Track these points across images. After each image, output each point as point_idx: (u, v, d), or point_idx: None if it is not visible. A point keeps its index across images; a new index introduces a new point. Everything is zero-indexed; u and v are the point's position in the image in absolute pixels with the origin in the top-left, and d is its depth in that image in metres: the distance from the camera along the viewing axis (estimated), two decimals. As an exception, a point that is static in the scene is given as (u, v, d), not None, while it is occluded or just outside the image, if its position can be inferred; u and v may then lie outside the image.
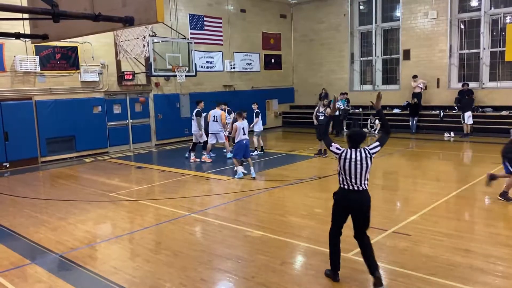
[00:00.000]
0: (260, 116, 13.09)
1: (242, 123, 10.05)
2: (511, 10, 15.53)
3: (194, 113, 12.68)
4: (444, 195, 7.94)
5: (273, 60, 20.65)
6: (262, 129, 13.55)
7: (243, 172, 10.07)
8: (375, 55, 19.04)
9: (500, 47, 15.66)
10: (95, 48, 13.82)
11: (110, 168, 12.11)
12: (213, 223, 6.92)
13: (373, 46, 18.99)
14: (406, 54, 17.82)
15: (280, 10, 20.78)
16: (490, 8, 16.03)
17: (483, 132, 15.40)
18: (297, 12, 21.09)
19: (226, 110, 13.31)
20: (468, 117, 15.33)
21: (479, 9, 16.19)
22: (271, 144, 16.25)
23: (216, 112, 12.42)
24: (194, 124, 12.64)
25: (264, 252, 5.61)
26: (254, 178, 9.86)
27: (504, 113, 15.45)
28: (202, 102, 12.97)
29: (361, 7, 19.52)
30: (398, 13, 18.13)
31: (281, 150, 14.05)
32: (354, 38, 19.66)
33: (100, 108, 14.23)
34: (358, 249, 5.48)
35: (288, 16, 21.23)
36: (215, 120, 12.32)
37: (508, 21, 15.72)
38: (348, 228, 6.41)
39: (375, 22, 18.79)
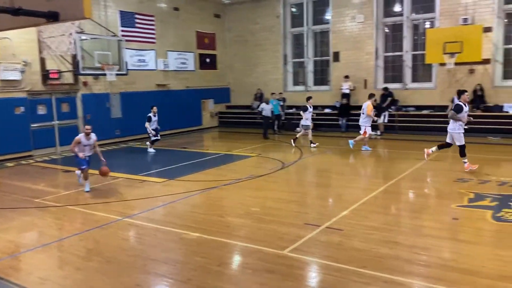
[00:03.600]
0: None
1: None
2: (430, 16, 16.66)
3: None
4: (373, 190, 8.35)
5: (208, 60, 20.53)
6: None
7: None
8: (307, 57, 19.59)
9: (421, 50, 16.75)
10: (16, 44, 12.89)
11: (35, 173, 11.37)
12: (147, 226, 6.73)
13: (305, 48, 19.53)
14: (336, 56, 18.51)
15: (214, 9, 20.70)
16: (411, 14, 17.11)
17: (406, 130, 16.40)
18: (231, 12, 21.14)
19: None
20: (383, 117, 16.30)
21: (401, 14, 17.21)
22: (208, 144, 16.17)
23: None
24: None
25: (201, 254, 5.56)
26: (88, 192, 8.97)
27: (425, 112, 16.55)
28: (155, 108, 13.73)
29: (293, 9, 19.98)
30: (328, 16, 18.78)
31: (218, 150, 14.02)
32: (287, 39, 20.08)
33: (22, 108, 13.29)
34: (294, 246, 5.61)
35: (223, 16, 21.22)
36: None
37: (427, 26, 16.86)
38: (284, 225, 6.55)
39: (307, 25, 19.33)
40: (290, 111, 19.17)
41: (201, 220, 7.00)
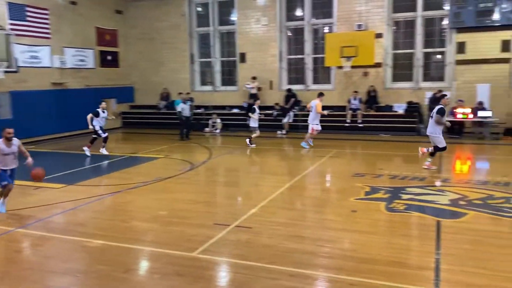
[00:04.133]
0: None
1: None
2: (328, 21, 17.66)
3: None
4: (279, 187, 8.62)
5: (110, 57, 19.57)
6: None
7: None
8: (214, 57, 19.63)
9: (320, 53, 17.69)
10: None
11: None
12: (44, 236, 6.22)
13: (212, 48, 19.55)
14: (243, 57, 18.81)
15: (115, 5, 19.79)
16: (312, 19, 17.99)
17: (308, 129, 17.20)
18: (134, 9, 20.39)
19: None
20: (288, 117, 16.99)
21: (303, 19, 18.03)
22: (111, 146, 15.40)
23: None
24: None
25: (105, 262, 5.28)
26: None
27: (325, 112, 17.50)
28: (104, 103, 13.06)
29: (199, 9, 19.88)
30: (234, 17, 19.00)
31: (122, 152, 13.43)
32: (193, 39, 19.92)
33: None
34: (203, 247, 5.58)
35: (125, 12, 20.38)
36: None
37: (326, 31, 17.87)
38: (193, 227, 6.48)
39: (213, 25, 19.36)
40: (199, 111, 19.04)
41: (105, 227, 6.65)
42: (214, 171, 11.01)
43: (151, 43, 20.27)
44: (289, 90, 17.64)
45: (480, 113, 14.58)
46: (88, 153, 12.74)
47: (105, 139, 12.96)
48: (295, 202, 8.03)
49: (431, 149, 10.24)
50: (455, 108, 14.97)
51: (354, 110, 16.62)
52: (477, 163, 11.76)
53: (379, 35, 16.38)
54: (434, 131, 10.03)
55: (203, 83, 20.40)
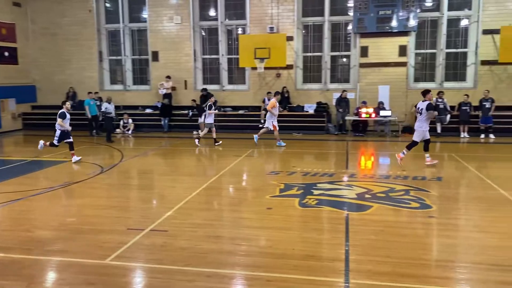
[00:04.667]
0: None
1: None
2: (242, 22, 17.90)
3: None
4: (196, 188, 8.55)
5: (7, 53, 17.93)
6: None
7: None
8: (125, 55, 18.89)
9: (235, 54, 17.86)
10: None
11: None
12: None
13: (122, 45, 18.80)
14: (155, 56, 18.34)
15: (12, -3, 18.21)
16: (225, 19, 18.09)
17: (225, 129, 17.30)
18: (34, 2, 18.90)
19: None
20: (204, 117, 16.91)
21: (216, 19, 18.06)
22: (9, 150, 14.14)
23: None
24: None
25: (6, 277, 4.82)
26: None
27: (241, 112, 17.74)
28: (68, 103, 11.51)
29: (108, 4, 18.99)
30: (145, 14, 18.45)
31: (23, 156, 12.37)
32: (102, 36, 18.99)
33: None
34: (116, 253, 5.35)
35: (24, 5, 18.81)
36: None
37: (240, 32, 18.09)
38: (105, 233, 6.17)
39: (123, 22, 18.62)
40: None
41: (4, 238, 6.07)
42: (126, 174, 10.59)
43: (54, 39, 18.95)
44: (204, 90, 17.56)
45: (382, 113, 15.76)
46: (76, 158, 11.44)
47: (71, 145, 11.56)
48: (212, 203, 8.02)
49: (405, 151, 10.56)
50: (359, 108, 16.01)
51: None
52: (379, 159, 12.70)
53: (290, 38, 16.97)
54: (422, 125, 10.37)
55: (113, 82, 19.55)
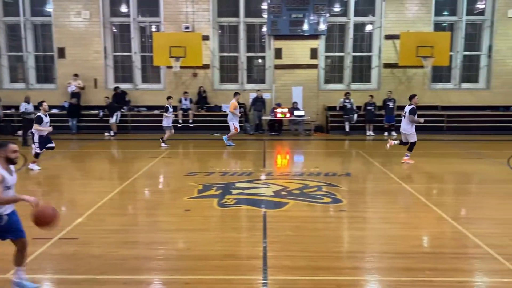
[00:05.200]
0: None
1: None
2: (156, 20, 17.45)
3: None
4: (109, 193, 8.15)
5: None
6: None
7: None
8: (27, 51, 17.47)
9: (149, 52, 17.36)
10: None
11: None
12: None
13: (23, 40, 17.35)
14: (61, 53, 17.20)
15: None
16: (138, 16, 17.51)
17: (139, 130, 16.76)
18: None
19: None
20: (115, 117, 16.29)
21: (128, 15, 17.40)
22: None
23: None
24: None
25: None
26: None
27: (156, 112, 17.27)
28: (45, 104, 10.29)
29: (6, -5, 17.42)
30: (49, 8, 17.20)
31: None
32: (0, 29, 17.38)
33: None
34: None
35: None
36: None
37: (154, 29, 17.62)
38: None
39: (24, 15, 17.19)
40: (8, 112, 16.70)
41: None
42: (31, 179, 9.78)
43: None
44: (116, 89, 16.85)
45: (295, 113, 16.34)
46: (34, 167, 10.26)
47: (49, 149, 10.61)
48: (127, 207, 7.71)
49: (397, 142, 11.32)
50: (275, 108, 16.44)
51: (185, 110, 16.81)
52: (294, 157, 13.14)
53: (206, 38, 16.90)
54: (407, 127, 10.95)
55: (14, 80, 17.97)
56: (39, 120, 10.11)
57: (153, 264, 5.11)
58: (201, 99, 17.05)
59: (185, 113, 16.73)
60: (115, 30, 17.74)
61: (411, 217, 6.94)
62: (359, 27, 17.53)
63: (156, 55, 16.46)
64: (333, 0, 17.24)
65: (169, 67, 16.75)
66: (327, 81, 17.83)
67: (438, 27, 17.22)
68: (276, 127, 16.73)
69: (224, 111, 17.11)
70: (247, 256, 5.33)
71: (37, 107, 11.12)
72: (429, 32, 16.54)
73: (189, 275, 4.77)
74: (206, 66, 17.12)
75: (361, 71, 17.82)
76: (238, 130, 14.11)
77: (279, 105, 16.52)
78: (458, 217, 6.99)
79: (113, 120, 16.11)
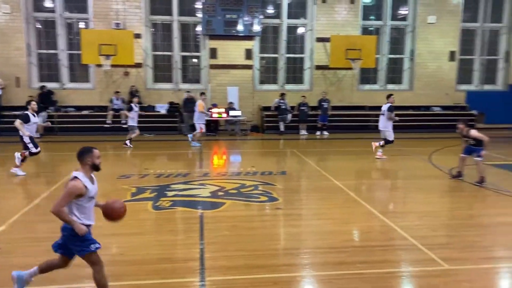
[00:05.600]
0: None
1: None
2: (84, 16, 16.67)
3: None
4: (35, 198, 7.67)
5: None
6: None
7: None
8: None
9: (77, 50, 16.53)
10: None
11: None
12: None
13: None
14: (-22, 49, 15.90)
15: None
16: (65, 12, 16.62)
17: (67, 131, 15.91)
18: None
19: None
20: (42, 118, 15.38)
21: (54, 11, 16.46)
22: None
23: None
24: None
25: None
26: None
27: (85, 112, 16.51)
28: (34, 103, 9.52)
29: None
30: (-37, -1, 15.83)
31: None
32: None
33: None
34: None
35: None
36: None
37: (82, 26, 16.81)
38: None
39: None
40: None
41: None
42: None
43: None
44: (42, 88, 15.88)
45: (232, 113, 16.38)
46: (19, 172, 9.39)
47: (33, 155, 9.61)
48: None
49: (382, 142, 11.68)
50: (211, 108, 16.37)
51: (117, 110, 16.21)
52: (231, 157, 13.17)
53: (138, 36, 16.43)
54: (386, 126, 11.67)
55: None
56: (26, 119, 9.41)
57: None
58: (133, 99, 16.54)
59: (117, 113, 16.13)
60: (39, 26, 16.70)
61: (343, 212, 7.23)
62: (292, 29, 17.95)
63: (84, 53, 15.72)
64: (267, 2, 17.50)
65: (99, 65, 16.07)
66: (262, 81, 18.07)
67: (365, 31, 18.09)
68: (212, 127, 16.67)
69: (158, 111, 16.75)
70: (183, 259, 5.26)
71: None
72: (357, 36, 17.33)
73: (123, 280, 4.62)
74: (138, 65, 16.65)
75: (295, 72, 18.26)
76: (204, 131, 14.14)
77: (215, 105, 16.48)
78: (386, 211, 7.39)
79: (39, 120, 15.12)
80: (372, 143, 12.01)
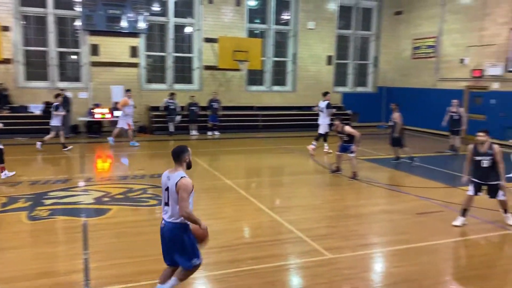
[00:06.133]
0: None
1: None
2: None
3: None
4: None
5: None
6: None
7: None
8: None
9: None
10: None
11: None
12: None
13: None
14: None
15: None
16: None
17: None
18: None
19: None
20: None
21: None
22: None
23: None
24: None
25: None
26: None
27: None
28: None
29: None
30: None
31: None
32: None
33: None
34: None
35: None
36: None
37: None
38: None
39: None
40: None
41: None
42: None
43: None
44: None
45: (116, 113, 15.59)
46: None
47: None
48: None
49: (315, 143, 12.55)
50: (93, 108, 15.41)
51: (-19, 111, 14.37)
52: (117, 160, 12.55)
53: (6, 28, 14.78)
54: (326, 120, 12.75)
55: None
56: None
57: None
58: (2, 98, 14.82)
59: (-19, 114, 14.30)
60: None
61: (234, 210, 7.36)
62: (179, 28, 17.72)
63: None
64: (152, -1, 17.02)
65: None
66: (149, 80, 17.52)
67: (251, 33, 18.62)
68: (95, 128, 15.69)
69: (31, 112, 15.24)
70: (65, 271, 4.88)
71: None
72: (243, 38, 17.76)
73: (-7, 303, 4.11)
74: (7, 61, 14.95)
75: (183, 72, 18.07)
76: (132, 127, 14.05)
77: (97, 105, 15.54)
78: (274, 207, 7.71)
79: None
80: (308, 147, 12.67)
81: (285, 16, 19.32)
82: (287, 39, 19.37)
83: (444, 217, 7.15)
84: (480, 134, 6.58)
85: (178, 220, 3.96)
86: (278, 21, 19.10)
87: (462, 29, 16.73)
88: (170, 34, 17.31)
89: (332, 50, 19.64)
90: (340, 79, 20.51)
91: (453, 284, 4.93)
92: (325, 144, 13.15)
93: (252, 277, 4.81)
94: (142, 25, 16.22)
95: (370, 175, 10.02)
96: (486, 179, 6.53)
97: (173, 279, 4.08)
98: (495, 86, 15.45)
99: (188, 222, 3.99)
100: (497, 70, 15.14)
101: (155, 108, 16.68)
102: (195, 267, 4.10)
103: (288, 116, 18.72)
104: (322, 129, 12.98)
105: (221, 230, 6.31)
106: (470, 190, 6.66)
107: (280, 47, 19.41)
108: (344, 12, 19.95)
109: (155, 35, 17.37)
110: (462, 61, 16.70)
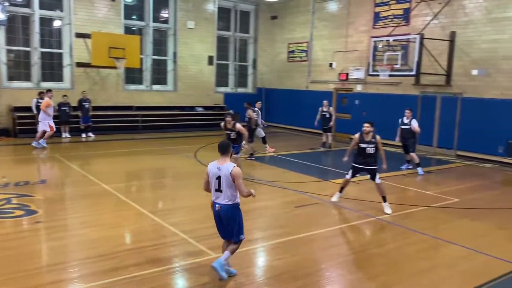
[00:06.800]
0: None
1: None
2: None
3: None
4: None
5: None
6: None
7: None
8: None
9: None
10: None
11: None
12: None
13: None
14: None
15: None
16: None
17: None
18: None
19: None
20: None
21: None
22: None
23: None
24: None
25: None
26: None
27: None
28: None
29: None
30: None
31: None
32: None
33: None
34: None
35: None
36: None
37: None
38: None
39: None
40: None
41: None
42: None
43: None
44: None
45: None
46: None
47: None
48: None
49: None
50: None
51: None
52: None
53: None
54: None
55: None
56: None
57: None
58: None
59: None
60: None
61: (113, 216, 6.98)
62: (46, 22, 16.19)
63: None
64: (13, -13, 15.25)
65: None
66: (11, 78, 15.71)
67: (128, 30, 17.86)
68: None
69: None
70: None
71: None
72: (120, 34, 16.92)
73: None
74: None
75: (52, 69, 16.57)
76: (54, 129, 13.33)
77: None
78: (156, 210, 7.50)
79: None
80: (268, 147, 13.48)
81: (164, 14, 18.95)
82: (167, 37, 19.02)
83: (319, 209, 7.72)
84: (366, 125, 7.59)
85: (232, 202, 4.75)
86: (157, 19, 18.66)
87: (330, 35, 18.22)
88: (36, 27, 15.74)
89: (213, 51, 19.82)
90: (221, 79, 20.80)
91: (329, 270, 5.34)
92: (267, 145, 13.70)
93: (135, 284, 4.62)
94: (1, 16, 14.45)
95: (251, 172, 10.34)
96: (367, 164, 7.56)
97: (226, 253, 4.80)
98: (358, 88, 17.15)
99: (239, 202, 4.83)
100: (360, 74, 16.83)
101: (20, 109, 15.04)
102: (241, 241, 4.88)
103: (169, 116, 18.39)
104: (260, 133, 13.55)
105: (99, 238, 5.94)
106: (349, 174, 7.77)
107: (160, 46, 18.98)
108: (224, 13, 20.29)
109: (17, 27, 15.63)
110: (330, 65, 18.20)
